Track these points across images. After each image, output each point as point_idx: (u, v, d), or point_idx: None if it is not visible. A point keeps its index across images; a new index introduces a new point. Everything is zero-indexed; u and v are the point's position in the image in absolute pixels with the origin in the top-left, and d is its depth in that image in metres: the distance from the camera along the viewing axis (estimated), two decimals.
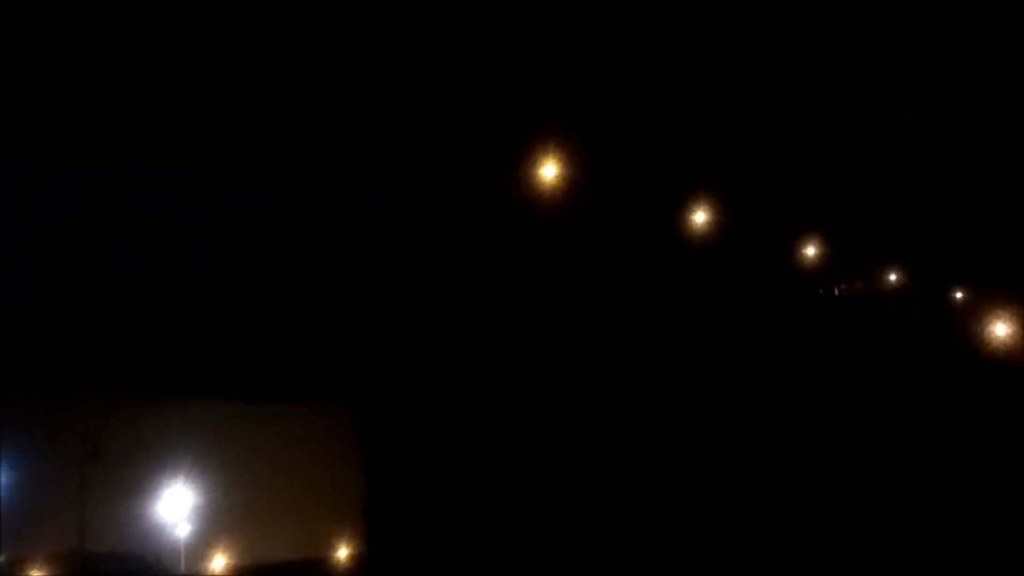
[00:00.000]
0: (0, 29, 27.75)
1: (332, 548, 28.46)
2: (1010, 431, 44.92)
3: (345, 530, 28.61)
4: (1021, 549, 37.32)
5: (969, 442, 42.41)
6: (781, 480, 37.10)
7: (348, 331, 31.23)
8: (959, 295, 59.67)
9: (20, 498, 26.38)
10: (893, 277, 57.29)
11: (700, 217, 43.24)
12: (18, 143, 28.14)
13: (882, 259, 57.05)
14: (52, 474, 26.88)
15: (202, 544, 27.01)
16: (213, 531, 27.01)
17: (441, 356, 32.47)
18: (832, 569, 35.87)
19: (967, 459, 41.08)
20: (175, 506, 26.66)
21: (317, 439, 29.30)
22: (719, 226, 43.21)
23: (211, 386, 28.73)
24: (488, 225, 33.96)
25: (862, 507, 37.88)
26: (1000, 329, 53.64)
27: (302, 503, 28.38)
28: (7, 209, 28.16)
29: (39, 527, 26.15)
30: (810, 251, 50.36)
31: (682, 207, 42.42)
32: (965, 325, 57.14)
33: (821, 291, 53.65)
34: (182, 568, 26.60)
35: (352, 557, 28.48)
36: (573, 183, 35.79)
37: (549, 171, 35.19)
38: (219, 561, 26.85)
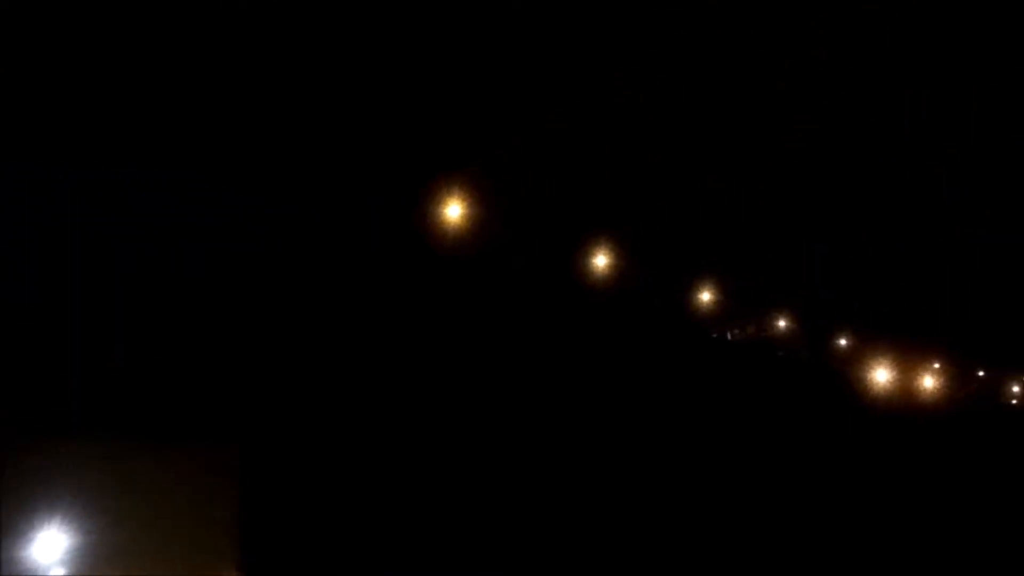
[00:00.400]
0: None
1: None
2: (884, 472, 45.50)
3: (226, 569, 27.85)
4: None
5: (844, 482, 42.92)
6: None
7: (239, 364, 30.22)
8: (843, 341, 61.01)
9: None
10: (783, 323, 58.26)
11: (600, 261, 42.95)
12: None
13: (773, 304, 57.79)
14: None
15: None
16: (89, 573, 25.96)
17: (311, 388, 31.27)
18: None
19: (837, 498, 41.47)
20: (48, 548, 25.54)
21: (201, 477, 28.35)
22: (618, 270, 43.10)
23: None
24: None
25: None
26: (880, 375, 54.78)
27: (182, 542, 27.53)
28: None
29: None
30: (705, 296, 50.92)
31: (583, 250, 42.08)
32: (847, 371, 58.31)
33: (715, 335, 54.17)
34: None
35: None
36: (478, 223, 35.16)
37: (455, 210, 34.70)
38: None
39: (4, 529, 25.04)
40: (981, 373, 77.23)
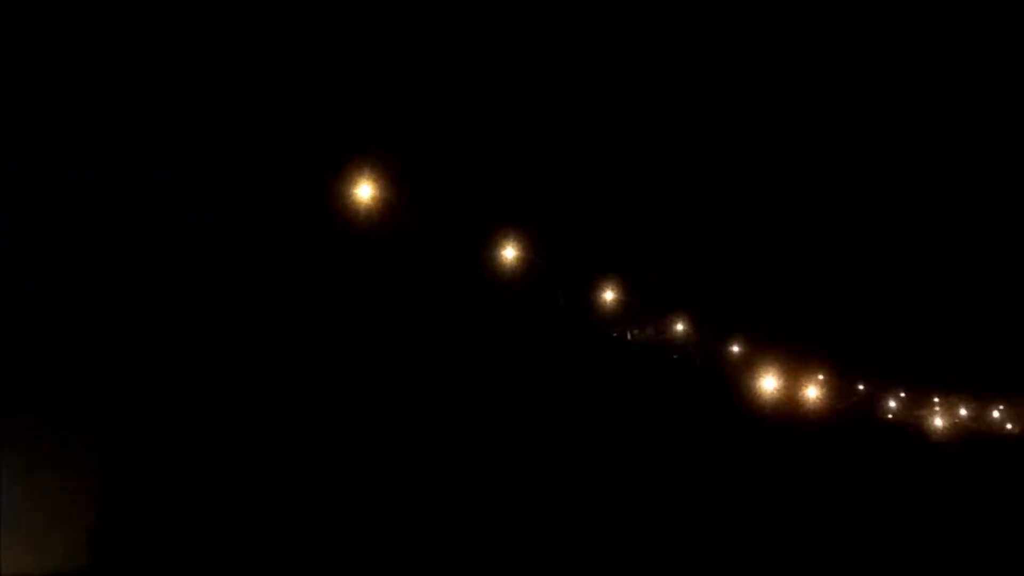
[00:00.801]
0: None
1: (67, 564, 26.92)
2: (763, 477, 45.68)
3: (83, 546, 27.15)
4: None
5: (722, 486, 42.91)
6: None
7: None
8: (735, 348, 62.07)
9: None
10: (680, 326, 59.01)
11: (508, 254, 42.75)
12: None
13: (672, 308, 58.33)
14: None
15: None
16: None
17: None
18: None
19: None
20: None
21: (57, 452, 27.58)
22: (525, 264, 43.05)
23: None
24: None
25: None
26: (767, 383, 55.49)
27: (36, 518, 26.87)
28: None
29: None
30: (609, 294, 51.22)
31: (488, 243, 41.90)
32: (737, 376, 59.02)
33: (615, 334, 54.56)
34: None
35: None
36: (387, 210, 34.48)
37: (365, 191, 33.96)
38: None
39: None
40: (861, 387, 79.04)
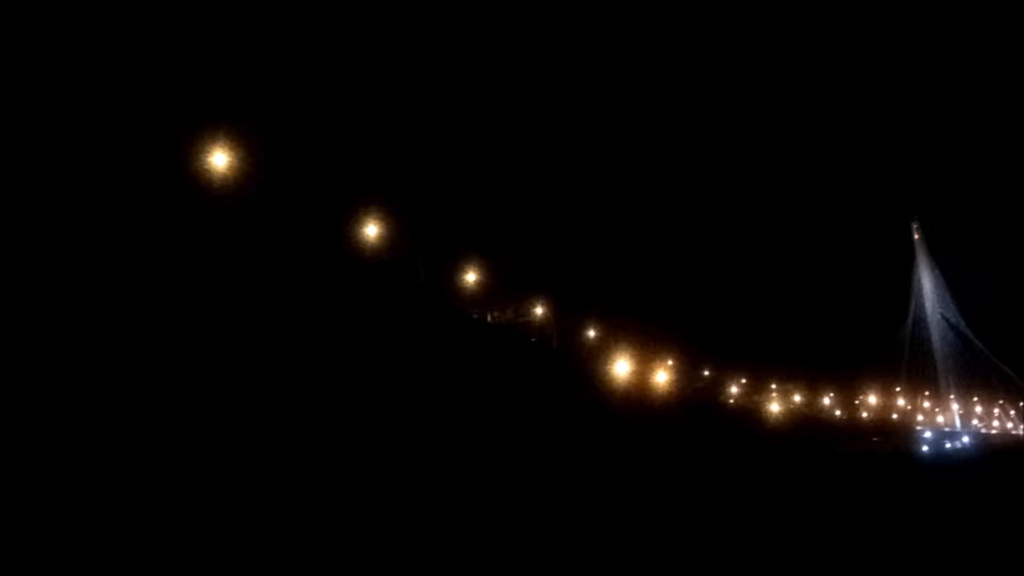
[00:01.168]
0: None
1: None
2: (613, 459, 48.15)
3: None
4: None
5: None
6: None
7: None
8: (591, 332, 65.45)
9: None
10: (540, 310, 61.64)
11: (370, 231, 42.64)
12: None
13: (533, 291, 60.75)
14: None
15: None
16: None
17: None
18: None
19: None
20: None
21: None
22: (388, 241, 42.96)
23: None
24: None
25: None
26: (620, 367, 58.73)
27: None
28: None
29: None
30: (471, 276, 52.66)
31: (353, 219, 41.73)
32: (592, 361, 61.96)
33: (475, 316, 56.34)
34: None
35: None
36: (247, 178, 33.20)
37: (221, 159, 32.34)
38: None
39: None
40: (707, 372, 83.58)
